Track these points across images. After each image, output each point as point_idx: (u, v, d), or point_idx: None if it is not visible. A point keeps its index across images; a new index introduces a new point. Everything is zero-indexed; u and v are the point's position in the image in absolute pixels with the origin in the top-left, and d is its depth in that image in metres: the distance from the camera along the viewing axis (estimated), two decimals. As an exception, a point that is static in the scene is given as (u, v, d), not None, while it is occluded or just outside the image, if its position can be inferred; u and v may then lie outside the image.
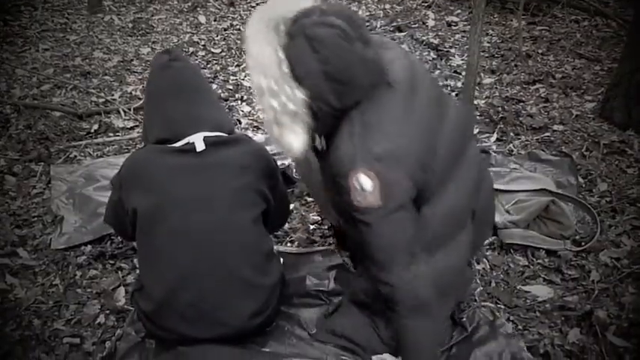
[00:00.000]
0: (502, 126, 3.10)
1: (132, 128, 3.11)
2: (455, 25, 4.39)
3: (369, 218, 1.48)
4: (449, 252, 1.65)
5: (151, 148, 1.64)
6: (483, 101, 3.34)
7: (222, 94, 3.41)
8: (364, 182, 1.44)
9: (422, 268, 1.53)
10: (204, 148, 1.56)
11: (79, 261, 2.22)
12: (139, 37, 4.22)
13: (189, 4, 4.79)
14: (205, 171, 1.56)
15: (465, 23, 4.35)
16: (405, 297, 1.52)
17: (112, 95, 3.46)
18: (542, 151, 2.89)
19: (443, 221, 1.62)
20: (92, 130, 3.10)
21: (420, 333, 1.56)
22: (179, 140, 1.59)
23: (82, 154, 2.90)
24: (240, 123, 3.14)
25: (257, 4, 4.77)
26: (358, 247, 1.68)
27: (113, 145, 2.97)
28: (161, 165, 1.57)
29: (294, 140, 1.46)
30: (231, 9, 4.71)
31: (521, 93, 3.45)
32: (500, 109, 3.25)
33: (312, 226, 2.41)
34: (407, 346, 1.58)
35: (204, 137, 1.57)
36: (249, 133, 3.05)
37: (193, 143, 1.56)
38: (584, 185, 2.65)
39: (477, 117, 3.14)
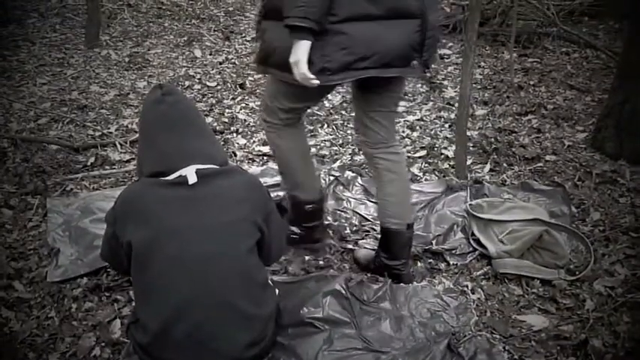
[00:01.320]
0: (495, 157, 3.14)
1: (128, 161, 3.14)
2: (447, 58, 4.46)
3: None
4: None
5: (144, 181, 1.66)
6: (476, 132, 3.38)
7: (217, 127, 3.45)
8: None
9: None
10: (196, 180, 1.58)
11: (75, 293, 2.22)
12: (135, 71, 4.27)
13: (185, 38, 4.86)
14: (198, 203, 1.58)
15: (458, 56, 4.42)
16: None
17: (109, 128, 3.49)
18: (535, 181, 2.93)
19: None
20: (88, 163, 3.13)
21: None
22: (172, 173, 1.61)
23: (79, 186, 2.92)
24: (235, 155, 3.17)
25: (252, 38, 4.84)
26: None
27: (109, 177, 2.99)
28: (154, 198, 1.59)
29: None
30: (227, 43, 4.78)
31: (514, 124, 3.50)
32: (493, 140, 3.30)
33: (307, 257, 2.42)
34: None
35: (197, 170, 1.59)
36: (245, 166, 3.08)
37: (186, 176, 1.58)
38: (577, 215, 2.67)
39: (471, 148, 3.17)
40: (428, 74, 2.72)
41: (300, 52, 1.77)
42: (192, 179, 1.57)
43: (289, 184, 2.40)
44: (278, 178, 2.76)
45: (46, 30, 5.15)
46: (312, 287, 2.13)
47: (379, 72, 1.92)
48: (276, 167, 2.55)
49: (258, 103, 3.76)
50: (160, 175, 1.62)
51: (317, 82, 1.82)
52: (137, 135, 3.30)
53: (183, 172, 1.59)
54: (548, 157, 3.15)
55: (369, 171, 2.96)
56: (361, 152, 3.15)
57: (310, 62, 1.80)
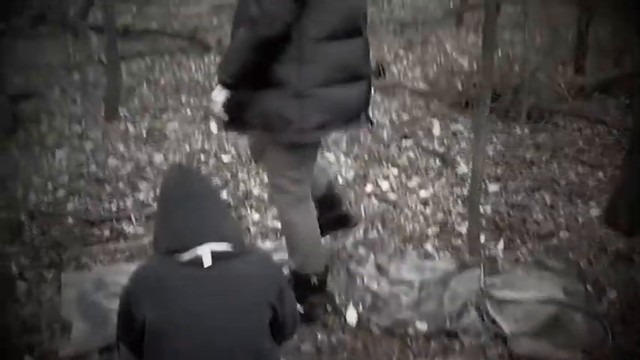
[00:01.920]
0: (509, 233, 3.16)
1: (143, 235, 3.18)
2: (460, 134, 4.54)
3: None
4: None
5: (159, 259, 1.70)
6: (489, 208, 3.40)
7: (232, 202, 3.50)
8: None
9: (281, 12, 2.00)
10: (211, 263, 1.60)
11: (87, 370, 2.22)
12: (152, 145, 4.37)
13: (202, 113, 4.98)
14: (213, 285, 1.60)
15: (470, 131, 4.49)
16: (259, 17, 2.00)
17: (124, 202, 3.55)
18: (549, 258, 2.93)
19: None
20: (104, 237, 3.17)
21: (240, 44, 2.08)
22: (187, 251, 1.64)
23: (93, 260, 2.96)
24: (249, 231, 3.21)
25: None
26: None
27: (124, 251, 3.03)
28: (169, 278, 1.61)
29: None
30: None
31: (527, 200, 3.53)
32: (506, 216, 3.32)
33: (319, 336, 2.42)
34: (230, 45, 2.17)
35: (212, 251, 1.61)
36: (259, 241, 3.11)
37: (201, 257, 1.60)
38: (592, 293, 2.65)
39: (484, 224, 3.19)
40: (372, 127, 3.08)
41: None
42: (208, 261, 1.59)
43: (299, 259, 2.47)
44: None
45: (68, 103, 5.30)
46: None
47: (344, 127, 2.36)
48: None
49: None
50: (175, 252, 1.65)
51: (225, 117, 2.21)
52: (152, 209, 3.38)
53: (199, 250, 1.62)
54: (562, 234, 3.15)
55: (384, 248, 2.99)
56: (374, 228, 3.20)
57: (289, 122, 2.14)
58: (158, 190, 3.55)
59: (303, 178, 2.40)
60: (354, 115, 2.31)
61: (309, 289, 2.48)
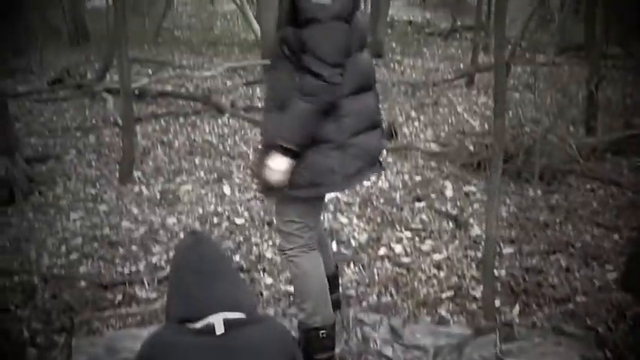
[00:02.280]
0: (524, 298, 3.12)
1: (155, 300, 3.18)
2: (473, 195, 4.54)
3: (320, 15, 2.06)
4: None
5: (171, 327, 1.69)
6: (504, 272, 3.38)
7: (244, 265, 3.50)
8: None
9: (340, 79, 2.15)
10: (223, 330, 1.59)
11: None
12: (165, 208, 4.41)
13: (215, 175, 5.04)
14: (225, 353, 1.58)
15: (483, 193, 4.50)
16: (322, 87, 2.11)
17: (137, 265, 3.57)
18: (566, 323, 2.88)
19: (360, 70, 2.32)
20: (116, 301, 3.17)
21: (305, 112, 2.15)
22: (199, 320, 1.64)
23: (105, 325, 2.95)
24: (262, 295, 3.20)
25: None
26: (298, 50, 2.16)
27: (136, 316, 3.02)
28: (181, 346, 1.60)
29: None
30: (255, 180, 4.93)
31: (542, 263, 3.50)
32: (521, 280, 3.29)
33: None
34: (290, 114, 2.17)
35: (224, 319, 1.61)
36: (271, 307, 3.09)
37: (213, 325, 1.60)
38: (612, 360, 2.61)
39: (499, 288, 3.16)
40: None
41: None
42: (220, 329, 1.59)
43: (309, 308, 2.47)
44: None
45: (83, 165, 5.38)
46: None
47: (370, 171, 2.51)
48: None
49: (285, 240, 3.83)
50: (187, 321, 1.65)
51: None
52: (165, 272, 3.38)
53: (210, 319, 1.62)
54: (578, 298, 3.12)
55: (397, 312, 2.96)
56: (387, 292, 3.18)
57: (333, 172, 2.27)
58: (171, 254, 3.59)
59: (315, 225, 2.51)
60: (376, 160, 2.50)
61: (318, 345, 2.48)
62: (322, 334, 2.47)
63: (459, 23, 13.66)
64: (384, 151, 2.78)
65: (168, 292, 1.79)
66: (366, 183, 4.74)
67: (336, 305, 2.74)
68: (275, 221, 2.65)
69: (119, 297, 3.20)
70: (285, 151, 2.19)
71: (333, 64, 2.11)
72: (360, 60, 2.34)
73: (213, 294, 1.66)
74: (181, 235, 3.92)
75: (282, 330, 1.78)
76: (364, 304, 3.10)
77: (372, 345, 2.75)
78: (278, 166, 2.20)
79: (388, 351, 2.72)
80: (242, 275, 3.37)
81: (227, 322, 1.61)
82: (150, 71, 9.39)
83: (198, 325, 1.62)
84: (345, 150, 2.29)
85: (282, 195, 2.34)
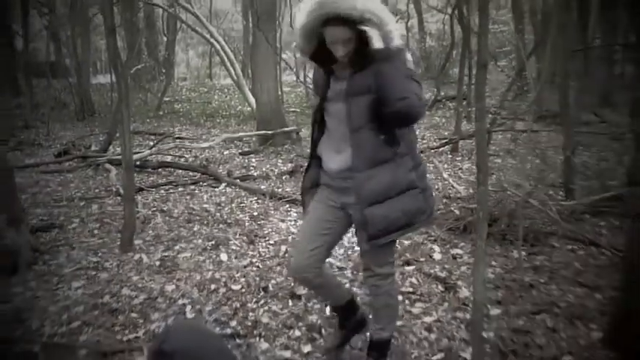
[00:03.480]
0: (513, 358, 3.07)
1: (153, 367, 3.10)
2: (460, 258, 4.53)
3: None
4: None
5: None
6: (492, 333, 3.34)
7: (241, 331, 3.45)
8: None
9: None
10: None
11: None
12: (164, 275, 4.36)
13: (213, 242, 5.02)
14: None
15: (469, 255, 4.49)
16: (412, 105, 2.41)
17: (136, 333, 3.50)
18: (555, 384, 2.83)
19: None
20: (115, 369, 3.10)
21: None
22: None
23: (104, 394, 2.87)
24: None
25: (274, 242, 4.98)
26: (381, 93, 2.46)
27: (134, 384, 2.95)
28: None
29: None
30: (251, 246, 4.92)
31: (528, 324, 3.46)
32: (509, 341, 3.24)
33: None
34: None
35: None
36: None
37: None
38: (601, 421, 2.54)
39: (488, 350, 3.11)
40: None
41: None
42: None
43: (392, 327, 3.01)
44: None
45: (85, 234, 5.36)
46: None
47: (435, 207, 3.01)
48: None
49: (281, 306, 3.79)
50: None
51: None
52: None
53: None
54: (565, 358, 3.07)
55: None
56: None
57: (422, 212, 2.73)
58: (169, 321, 3.54)
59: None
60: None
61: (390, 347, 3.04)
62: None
63: (442, 94, 13.95)
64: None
65: None
66: (357, 248, 4.73)
67: (362, 324, 3.22)
68: (373, 268, 2.82)
69: (118, 365, 3.14)
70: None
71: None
72: None
73: None
74: (180, 302, 3.88)
75: None
76: (358, 367, 3.04)
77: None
78: None
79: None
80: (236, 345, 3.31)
81: None
82: (151, 143, 9.48)
83: None
84: (425, 192, 2.69)
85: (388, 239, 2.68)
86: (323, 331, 3.40)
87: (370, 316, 3.10)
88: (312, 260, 2.77)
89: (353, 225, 2.81)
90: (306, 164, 2.96)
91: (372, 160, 2.56)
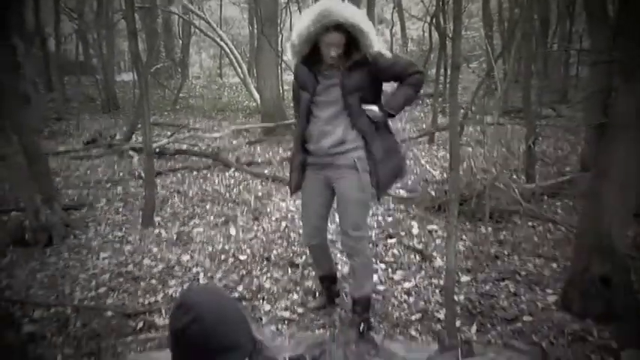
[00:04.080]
0: (480, 318, 3.09)
1: (171, 326, 3.10)
2: (435, 232, 4.53)
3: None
4: None
5: None
6: (463, 297, 3.35)
7: (246, 295, 3.45)
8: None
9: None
10: None
11: None
12: (181, 247, 4.36)
13: (223, 219, 5.00)
14: None
15: (443, 230, 4.49)
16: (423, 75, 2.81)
17: (156, 297, 3.50)
18: (516, 340, 2.85)
19: None
20: (137, 328, 3.10)
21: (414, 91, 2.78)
22: None
23: (127, 349, 2.87)
24: (261, 320, 3.14)
25: (276, 219, 4.97)
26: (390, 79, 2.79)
27: (154, 340, 2.95)
28: None
29: None
30: (256, 222, 4.91)
31: (494, 289, 3.47)
32: (477, 303, 3.26)
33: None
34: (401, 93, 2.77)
35: None
36: (272, 327, 3.03)
37: None
38: (555, 372, 2.56)
39: (459, 311, 3.13)
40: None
41: None
42: None
43: (370, 285, 3.05)
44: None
45: (111, 212, 5.33)
46: None
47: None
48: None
49: (282, 273, 3.79)
50: None
51: None
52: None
53: None
54: (525, 318, 3.08)
55: (376, 332, 2.91)
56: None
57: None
58: (185, 286, 3.53)
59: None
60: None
61: (371, 303, 3.06)
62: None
63: (421, 92, 13.87)
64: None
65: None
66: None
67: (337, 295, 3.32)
68: (349, 232, 2.85)
69: (140, 324, 3.13)
70: (390, 115, 2.77)
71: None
72: None
73: None
74: (194, 270, 3.87)
75: None
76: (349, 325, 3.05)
77: (353, 357, 2.69)
78: (379, 117, 2.76)
79: (368, 366, 2.67)
80: (244, 308, 3.31)
81: None
82: (169, 133, 9.42)
83: None
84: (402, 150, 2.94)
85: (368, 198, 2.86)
86: (317, 294, 3.41)
87: (350, 280, 3.11)
88: (317, 230, 2.97)
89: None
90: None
91: (367, 132, 2.77)
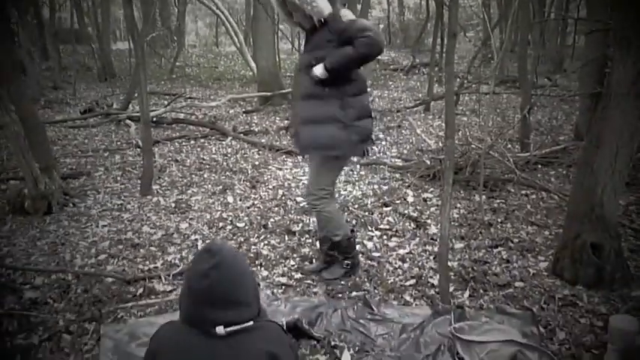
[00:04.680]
0: (473, 284, 3.12)
1: (170, 291, 3.13)
2: (430, 201, 4.55)
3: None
4: None
5: (176, 325, 1.58)
6: (456, 263, 3.38)
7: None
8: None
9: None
10: (224, 333, 1.49)
11: (120, 411, 2.14)
12: (179, 215, 4.36)
13: (220, 187, 5.00)
14: (223, 354, 1.49)
15: (438, 198, 4.51)
16: (374, 39, 2.75)
17: (155, 263, 3.51)
18: (507, 305, 2.89)
19: None
20: (137, 294, 3.12)
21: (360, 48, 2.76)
22: (201, 325, 1.52)
23: (128, 314, 2.90)
24: (259, 285, 3.17)
25: (273, 187, 4.98)
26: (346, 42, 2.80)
27: (154, 306, 2.98)
28: (181, 344, 1.52)
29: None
30: (253, 191, 4.91)
31: (487, 256, 3.50)
32: (470, 269, 3.29)
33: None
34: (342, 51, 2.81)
35: (225, 329, 1.50)
36: (267, 291, 3.06)
37: (215, 330, 1.49)
38: (545, 334, 2.61)
39: (452, 277, 3.16)
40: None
41: None
42: (219, 332, 1.49)
43: (338, 233, 3.13)
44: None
45: (110, 181, 5.32)
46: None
47: (366, 144, 3.10)
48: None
49: (279, 240, 3.81)
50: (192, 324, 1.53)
51: None
52: (179, 269, 3.34)
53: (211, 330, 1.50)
54: (517, 284, 3.12)
55: (371, 297, 2.94)
56: (362, 280, 3.16)
57: (343, 140, 2.94)
58: (184, 254, 3.55)
59: (333, 189, 3.17)
60: (370, 137, 3.09)
61: (351, 245, 3.21)
62: (350, 238, 3.19)
63: (417, 61, 13.75)
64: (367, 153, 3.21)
65: (180, 293, 1.62)
66: (342, 192, 4.74)
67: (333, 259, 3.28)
68: (310, 189, 3.10)
69: (140, 290, 3.15)
70: (326, 70, 2.82)
71: (372, 30, 2.79)
72: (361, 72, 2.99)
73: (218, 318, 1.50)
74: (193, 238, 3.88)
75: (278, 336, 1.59)
76: (346, 292, 3.08)
77: (351, 323, 2.73)
78: (318, 71, 2.84)
79: (364, 325, 2.71)
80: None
81: (227, 330, 1.50)
82: (165, 102, 9.34)
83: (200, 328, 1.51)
84: (349, 128, 2.91)
85: (318, 156, 3.02)
86: (314, 261, 3.43)
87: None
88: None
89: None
90: None
91: (306, 95, 2.96)
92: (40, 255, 3.67)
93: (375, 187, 4.92)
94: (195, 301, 1.53)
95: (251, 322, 1.53)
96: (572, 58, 12.50)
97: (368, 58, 2.87)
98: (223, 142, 6.80)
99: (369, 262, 3.44)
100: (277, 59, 10.82)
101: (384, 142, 6.61)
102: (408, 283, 3.18)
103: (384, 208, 4.37)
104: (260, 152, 6.28)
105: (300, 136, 3.01)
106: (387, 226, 4.01)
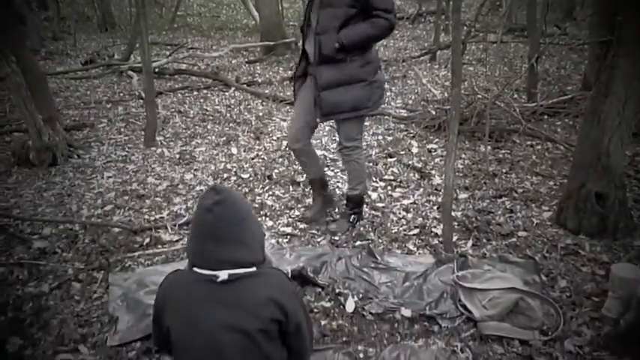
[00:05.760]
0: (476, 233, 3.13)
1: (177, 241, 3.16)
2: (434, 152, 4.51)
3: None
4: None
5: (183, 273, 1.61)
6: (460, 213, 3.39)
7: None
8: None
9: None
10: (227, 278, 1.50)
11: (130, 356, 2.20)
12: (183, 166, 4.36)
13: (224, 138, 4.97)
14: (225, 301, 1.50)
15: (442, 149, 4.48)
16: (393, 24, 2.77)
17: (161, 214, 3.54)
18: (510, 253, 2.91)
19: None
20: (144, 243, 3.16)
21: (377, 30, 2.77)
22: (207, 269, 1.53)
23: (135, 263, 2.94)
24: (264, 235, 3.18)
25: (277, 138, 4.95)
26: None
27: (161, 255, 3.01)
28: (189, 291, 1.53)
29: None
30: (257, 142, 4.89)
31: (490, 206, 3.50)
32: (473, 219, 3.30)
33: (322, 323, 2.39)
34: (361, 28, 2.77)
35: (229, 274, 1.51)
36: (272, 240, 3.09)
37: (217, 275, 1.51)
38: (546, 282, 2.64)
39: (456, 226, 3.17)
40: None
41: None
42: (222, 277, 1.51)
43: (362, 187, 3.23)
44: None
45: (113, 132, 5.30)
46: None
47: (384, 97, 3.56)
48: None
49: (283, 191, 3.81)
50: (199, 267, 1.55)
51: None
52: (185, 219, 3.36)
53: (216, 273, 1.52)
54: (520, 234, 3.13)
55: (375, 246, 2.96)
56: (366, 230, 3.18)
57: (367, 98, 2.96)
58: (189, 204, 3.56)
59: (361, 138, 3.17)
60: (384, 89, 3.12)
61: (354, 203, 3.26)
62: (364, 195, 3.30)
63: (423, 9, 13.38)
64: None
65: (188, 238, 1.65)
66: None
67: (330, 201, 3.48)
68: (343, 142, 3.08)
69: (147, 240, 3.19)
70: (341, 46, 2.75)
71: (394, 12, 2.75)
72: None
73: (222, 256, 1.52)
74: (198, 189, 3.89)
75: (281, 284, 1.60)
76: (350, 241, 3.10)
77: (355, 271, 2.76)
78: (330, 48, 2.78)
79: (367, 273, 2.74)
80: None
81: (231, 275, 1.51)
82: (167, 52, 9.18)
83: (206, 272, 1.52)
84: (372, 85, 2.90)
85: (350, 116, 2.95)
86: (311, 205, 3.43)
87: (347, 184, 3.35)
88: (301, 133, 3.07)
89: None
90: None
91: (327, 57, 2.80)
92: (46, 206, 3.70)
93: (380, 137, 4.89)
94: (199, 236, 1.55)
95: (254, 269, 1.55)
96: (582, 5, 12.14)
97: (380, 39, 2.87)
98: (226, 93, 6.72)
99: (373, 212, 3.45)
100: (280, 8, 10.55)
101: (388, 93, 6.52)
102: (411, 233, 3.20)
103: (389, 159, 4.35)
104: (264, 103, 6.21)
105: (323, 102, 2.87)
106: (392, 177, 4.00)
